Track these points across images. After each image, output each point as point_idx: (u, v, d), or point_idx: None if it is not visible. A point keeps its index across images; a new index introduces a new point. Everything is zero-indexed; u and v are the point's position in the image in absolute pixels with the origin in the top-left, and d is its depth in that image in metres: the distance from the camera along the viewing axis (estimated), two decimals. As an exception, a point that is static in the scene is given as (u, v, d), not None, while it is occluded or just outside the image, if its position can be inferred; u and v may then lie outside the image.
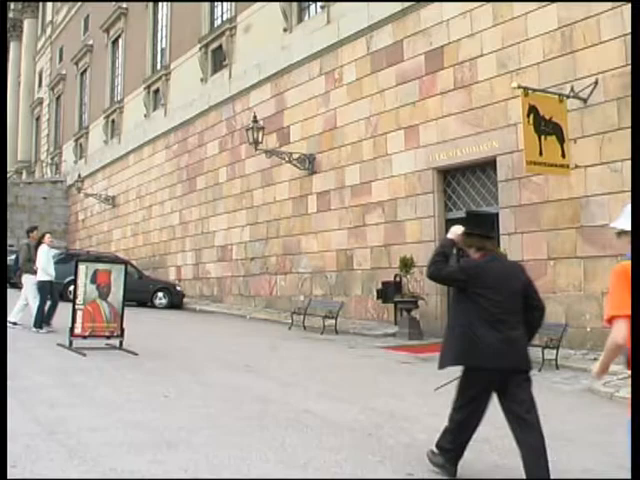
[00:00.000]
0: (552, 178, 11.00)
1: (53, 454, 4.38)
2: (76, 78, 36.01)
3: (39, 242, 11.22)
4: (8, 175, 40.19)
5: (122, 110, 29.80)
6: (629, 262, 3.64)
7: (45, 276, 10.90)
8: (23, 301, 11.33)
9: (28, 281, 11.17)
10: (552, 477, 4.66)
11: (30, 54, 45.97)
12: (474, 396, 4.36)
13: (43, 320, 10.81)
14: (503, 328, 4.23)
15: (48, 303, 11.04)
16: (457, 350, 4.38)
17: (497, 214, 12.25)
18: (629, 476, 4.08)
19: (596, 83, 10.48)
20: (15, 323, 11.00)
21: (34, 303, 10.96)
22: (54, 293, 11.18)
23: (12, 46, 48.76)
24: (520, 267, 4.56)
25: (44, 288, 10.94)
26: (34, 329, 10.67)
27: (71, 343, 9.21)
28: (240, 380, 7.75)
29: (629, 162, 9.02)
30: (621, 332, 3.37)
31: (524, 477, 4.60)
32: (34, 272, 10.99)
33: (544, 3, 11.39)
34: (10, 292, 18.66)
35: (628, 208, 3.67)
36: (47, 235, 11.44)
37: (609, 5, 10.39)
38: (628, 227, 3.61)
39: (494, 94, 12.16)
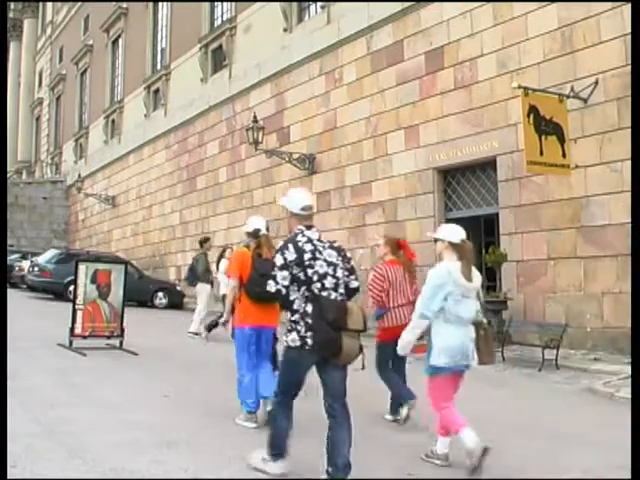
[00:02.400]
0: (552, 178, 11.00)
1: (53, 454, 4.38)
2: (76, 78, 36.01)
3: (220, 256, 11.18)
4: (8, 175, 40.19)
5: (122, 110, 29.80)
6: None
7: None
8: (202, 310, 11.74)
9: (203, 290, 11.63)
10: (552, 477, 4.66)
11: (30, 54, 45.98)
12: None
13: (210, 327, 11.08)
14: None
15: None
16: None
17: (497, 214, 12.27)
18: (629, 476, 4.08)
19: (596, 83, 10.47)
20: (196, 333, 11.45)
21: (203, 311, 11.59)
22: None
23: (12, 46, 48.77)
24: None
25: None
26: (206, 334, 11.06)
27: (71, 343, 9.21)
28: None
29: (629, 162, 9.04)
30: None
31: (524, 477, 4.60)
32: (210, 282, 11.51)
33: (544, 3, 11.39)
34: (10, 292, 18.68)
35: (446, 226, 5.26)
36: (227, 250, 11.34)
37: (609, 5, 10.39)
38: (437, 236, 5.09)
39: (494, 94, 12.16)
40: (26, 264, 21.36)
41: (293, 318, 4.20)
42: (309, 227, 4.35)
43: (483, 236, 13.57)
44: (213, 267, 11.89)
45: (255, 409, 5.59)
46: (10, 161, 45.55)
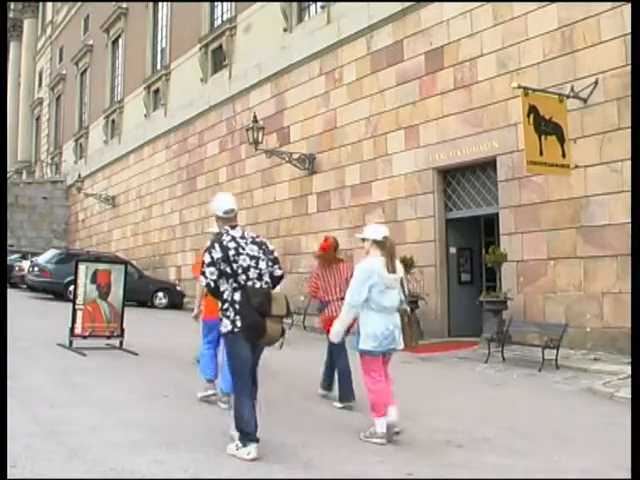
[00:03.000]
0: (552, 178, 11.00)
1: (53, 454, 4.38)
2: (76, 78, 36.01)
3: None
4: (8, 175, 40.19)
5: (122, 110, 29.80)
6: None
7: None
8: None
9: None
10: (552, 477, 4.66)
11: (30, 54, 45.97)
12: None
13: None
14: None
15: None
16: None
17: (497, 214, 12.27)
18: (629, 476, 4.09)
19: (596, 83, 10.47)
20: None
21: None
22: None
23: (12, 46, 48.76)
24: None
25: None
26: None
27: (71, 343, 9.21)
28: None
29: (629, 162, 9.04)
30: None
31: (524, 477, 4.60)
32: None
33: (544, 3, 11.39)
34: (10, 292, 18.68)
35: (370, 226, 5.82)
36: None
37: (609, 5, 10.39)
38: (363, 236, 5.59)
39: (494, 94, 12.15)
40: (26, 264, 21.36)
41: (224, 307, 4.75)
42: (233, 227, 4.93)
43: (483, 236, 13.59)
44: None
45: (214, 378, 6.43)
46: (10, 161, 45.54)
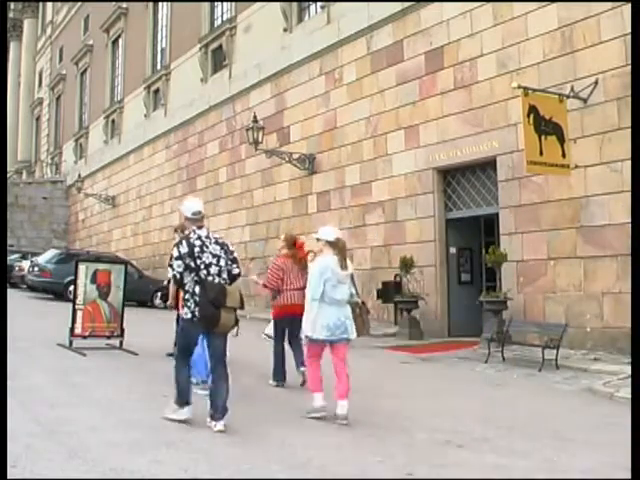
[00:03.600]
0: (552, 178, 11.00)
1: (53, 454, 4.38)
2: (76, 78, 36.01)
3: None
4: (8, 175, 40.18)
5: (122, 110, 29.80)
6: None
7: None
8: None
9: None
10: (552, 477, 4.66)
11: (30, 54, 45.96)
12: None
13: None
14: None
15: None
16: None
17: (497, 214, 12.27)
18: (629, 476, 4.09)
19: (596, 83, 10.47)
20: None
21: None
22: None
23: (12, 46, 48.75)
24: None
25: None
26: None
27: (71, 343, 9.21)
28: (240, 379, 7.75)
29: (629, 162, 9.04)
30: None
31: (524, 477, 4.60)
32: None
33: (544, 3, 11.39)
34: (10, 292, 18.67)
35: (324, 228, 6.25)
36: (310, 254, 11.53)
37: (609, 5, 10.38)
38: (318, 236, 6.09)
39: (494, 94, 12.15)
40: (26, 264, 21.35)
41: (186, 297, 5.44)
42: (200, 227, 5.56)
43: (483, 236, 13.59)
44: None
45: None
46: (10, 161, 45.53)
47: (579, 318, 10.59)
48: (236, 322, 5.44)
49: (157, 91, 26.43)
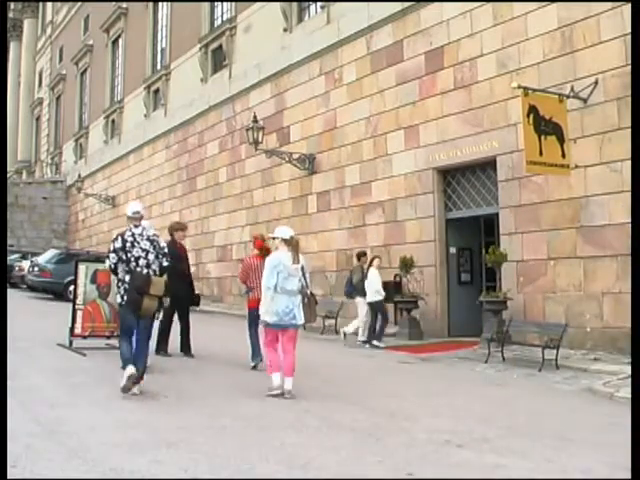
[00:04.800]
0: (552, 178, 11.00)
1: (53, 454, 4.38)
2: (76, 78, 36.01)
3: (369, 265, 12.16)
4: (8, 175, 40.18)
5: (122, 110, 29.80)
6: None
7: (378, 296, 11.87)
8: (361, 321, 12.19)
9: (362, 302, 12.11)
10: (552, 477, 4.66)
11: (30, 54, 45.97)
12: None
13: (374, 337, 11.86)
14: None
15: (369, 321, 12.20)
16: None
17: (497, 214, 12.27)
18: (629, 476, 4.09)
19: (596, 83, 10.47)
20: (365, 342, 11.97)
21: (363, 320, 12.07)
22: (385, 311, 12.16)
23: (12, 46, 48.75)
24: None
25: (377, 307, 11.95)
26: (377, 343, 11.75)
27: (71, 343, 9.21)
28: (240, 379, 7.75)
29: (629, 162, 9.04)
30: None
31: (524, 477, 4.60)
32: (364, 293, 11.99)
33: (544, 3, 11.39)
34: (10, 292, 18.68)
35: (280, 228, 7.27)
36: (376, 259, 12.32)
37: (609, 5, 10.38)
38: (274, 235, 7.08)
39: (494, 94, 12.15)
40: (26, 264, 21.35)
41: (118, 284, 6.53)
42: (136, 226, 6.69)
43: (483, 236, 13.59)
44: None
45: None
46: (10, 161, 45.53)
47: (579, 318, 10.59)
48: (159, 307, 6.49)
49: (157, 91, 26.43)
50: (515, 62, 11.81)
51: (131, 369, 6.17)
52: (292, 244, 6.94)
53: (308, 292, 7.05)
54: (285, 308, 6.78)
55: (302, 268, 6.99)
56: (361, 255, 12.71)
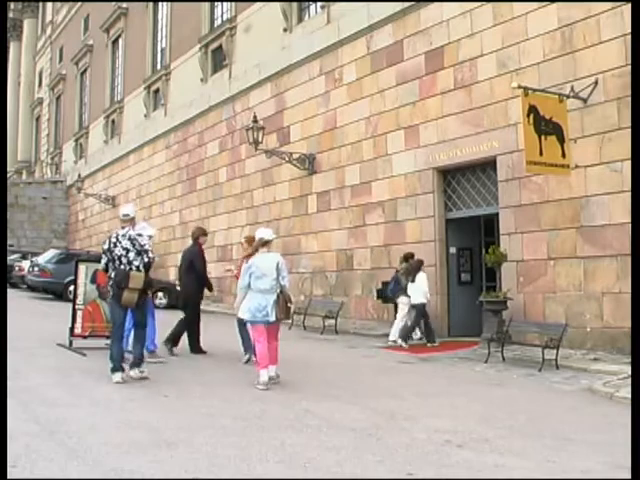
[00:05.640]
0: (552, 178, 11.00)
1: (53, 454, 4.38)
2: (76, 78, 36.02)
3: (419, 266, 12.22)
4: (8, 175, 40.19)
5: (122, 110, 29.80)
6: None
7: (424, 299, 11.95)
8: (400, 320, 12.30)
9: (406, 303, 12.20)
10: (552, 477, 4.67)
11: (30, 54, 45.98)
12: None
13: (409, 336, 11.96)
14: None
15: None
16: None
17: (497, 214, 12.27)
18: (629, 476, 4.09)
19: (596, 83, 10.47)
20: (395, 341, 12.00)
21: (403, 321, 12.17)
22: (425, 315, 12.13)
23: (12, 46, 48.77)
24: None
25: (421, 309, 11.99)
26: (401, 342, 11.76)
27: (71, 343, 9.21)
28: (240, 380, 7.75)
29: (629, 162, 9.05)
30: None
31: (524, 477, 4.61)
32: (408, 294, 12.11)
33: (544, 3, 11.38)
34: (10, 292, 18.68)
35: (261, 229, 7.97)
36: (421, 260, 12.46)
37: (609, 5, 10.38)
38: (258, 236, 7.70)
39: (494, 94, 12.15)
40: (26, 264, 21.35)
41: (109, 282, 7.23)
42: (123, 227, 7.43)
43: (483, 236, 13.59)
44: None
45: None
46: (10, 161, 45.55)
47: (579, 318, 10.59)
48: (139, 298, 7.14)
49: (157, 91, 26.43)
50: (515, 62, 11.81)
51: (118, 377, 6.94)
52: (270, 245, 7.58)
53: (279, 291, 7.38)
54: (258, 305, 7.26)
55: (277, 267, 7.37)
56: (409, 257, 12.67)
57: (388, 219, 14.46)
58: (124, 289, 7.01)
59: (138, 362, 7.28)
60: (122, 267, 7.08)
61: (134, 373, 7.18)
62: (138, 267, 7.13)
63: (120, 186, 28.91)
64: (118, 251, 7.14)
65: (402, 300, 12.26)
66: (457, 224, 13.50)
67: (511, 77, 11.58)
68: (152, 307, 8.75)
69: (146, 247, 7.21)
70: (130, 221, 7.59)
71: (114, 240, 7.21)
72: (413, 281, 11.98)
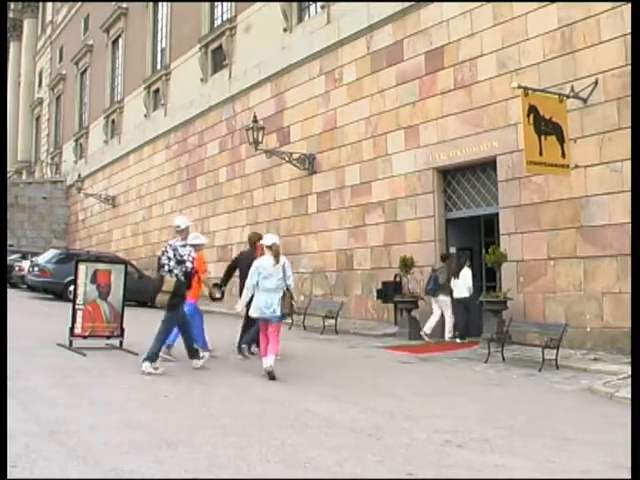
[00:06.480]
0: (552, 178, 11.00)
1: (53, 454, 4.38)
2: (76, 78, 36.02)
3: (463, 262, 12.44)
4: (8, 175, 40.18)
5: (122, 110, 29.80)
6: None
7: (467, 293, 12.11)
8: (449, 320, 12.45)
9: (446, 301, 12.37)
10: (552, 477, 4.67)
11: (30, 54, 45.98)
12: None
13: (456, 333, 12.27)
14: None
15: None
16: None
17: (497, 214, 12.28)
18: (629, 476, 4.09)
19: (596, 83, 10.47)
20: (426, 334, 12.31)
21: (451, 318, 12.37)
22: (470, 308, 12.24)
23: (12, 46, 48.77)
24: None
25: (466, 302, 12.15)
26: (457, 340, 12.11)
27: (71, 343, 9.21)
28: (240, 380, 7.76)
29: (629, 162, 9.05)
30: None
31: (524, 477, 4.61)
32: (450, 293, 12.30)
33: (544, 3, 11.39)
34: (10, 292, 18.68)
35: (266, 235, 8.80)
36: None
37: (609, 5, 10.39)
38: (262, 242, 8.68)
39: (494, 94, 12.16)
40: (26, 264, 21.35)
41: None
42: (175, 238, 8.40)
43: (483, 236, 13.59)
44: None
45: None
46: (10, 161, 45.55)
47: (579, 318, 10.59)
48: (169, 300, 7.81)
49: (157, 91, 26.43)
50: (515, 62, 11.81)
51: (198, 363, 8.19)
52: (273, 249, 8.09)
53: (285, 289, 8.06)
54: (265, 303, 7.97)
55: (283, 268, 8.09)
56: (445, 257, 12.82)
57: (388, 219, 14.46)
58: (158, 291, 7.90)
59: (193, 353, 8.22)
60: (163, 274, 7.94)
61: (195, 364, 8.18)
62: (177, 275, 7.88)
63: (120, 186, 28.91)
64: (164, 260, 7.99)
65: (442, 299, 12.42)
66: (457, 224, 13.50)
67: (511, 77, 11.58)
68: (198, 311, 9.32)
69: (184, 258, 7.95)
70: (181, 232, 8.41)
71: (163, 249, 8.14)
72: (457, 277, 12.15)
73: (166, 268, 7.93)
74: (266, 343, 7.98)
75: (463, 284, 12.11)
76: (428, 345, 11.93)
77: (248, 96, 19.76)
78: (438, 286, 12.44)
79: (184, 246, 8.10)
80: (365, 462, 4.67)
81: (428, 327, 12.40)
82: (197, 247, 8.49)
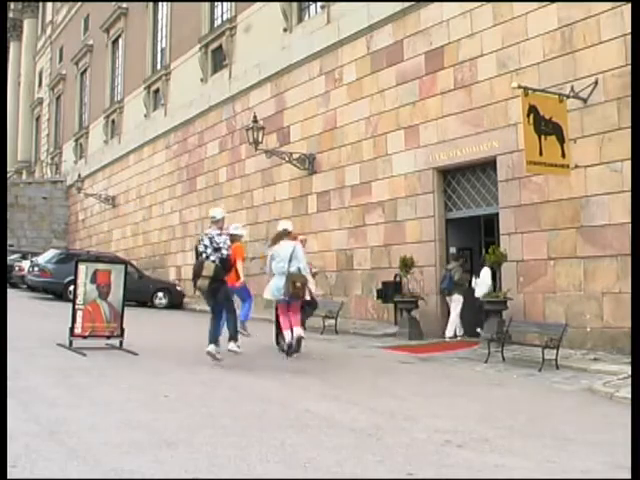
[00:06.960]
0: (552, 178, 11.00)
1: (53, 454, 4.38)
2: (76, 78, 36.02)
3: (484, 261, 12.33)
4: (8, 175, 40.18)
5: (122, 110, 29.81)
6: None
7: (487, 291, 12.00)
8: (454, 317, 12.63)
9: (459, 300, 12.54)
10: (552, 477, 4.67)
11: (30, 54, 45.99)
12: None
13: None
14: None
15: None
16: None
17: (497, 214, 12.28)
18: (629, 476, 4.10)
19: (596, 83, 10.48)
20: (455, 336, 12.56)
21: (457, 317, 12.56)
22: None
23: (12, 46, 48.77)
24: None
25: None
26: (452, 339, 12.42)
27: (71, 343, 9.21)
28: (240, 380, 7.76)
29: (629, 162, 9.06)
30: None
31: (524, 477, 4.61)
32: (463, 292, 12.49)
33: (544, 3, 11.39)
34: (10, 292, 18.68)
35: (282, 221, 10.38)
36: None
37: (609, 5, 10.39)
38: (282, 228, 9.60)
39: (494, 94, 12.16)
40: (26, 264, 21.36)
41: None
42: (211, 227, 8.83)
43: (483, 236, 13.59)
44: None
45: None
46: (10, 161, 45.55)
47: (579, 318, 10.59)
48: (209, 285, 8.35)
49: (157, 91, 26.44)
50: (515, 62, 11.81)
51: (211, 348, 8.40)
52: (288, 237, 9.10)
53: (296, 275, 8.93)
54: (276, 286, 8.94)
55: (293, 252, 8.95)
56: (458, 257, 12.97)
57: (388, 219, 14.47)
58: (199, 277, 8.36)
59: (234, 335, 8.67)
60: (202, 259, 8.43)
61: (231, 346, 8.58)
62: (214, 261, 8.37)
63: (120, 186, 28.91)
64: (201, 247, 8.51)
65: (457, 297, 12.51)
66: (457, 224, 13.50)
67: (511, 77, 11.59)
68: (248, 290, 10.46)
69: (220, 245, 8.47)
70: (217, 222, 8.76)
71: (200, 238, 8.68)
72: (478, 276, 12.13)
73: (204, 255, 8.42)
74: (286, 319, 9.06)
75: (482, 283, 12.00)
76: (428, 345, 11.92)
77: (248, 96, 19.77)
78: (454, 284, 12.53)
79: (220, 235, 8.59)
80: (365, 462, 4.67)
81: (450, 329, 12.58)
82: (234, 237, 9.43)
